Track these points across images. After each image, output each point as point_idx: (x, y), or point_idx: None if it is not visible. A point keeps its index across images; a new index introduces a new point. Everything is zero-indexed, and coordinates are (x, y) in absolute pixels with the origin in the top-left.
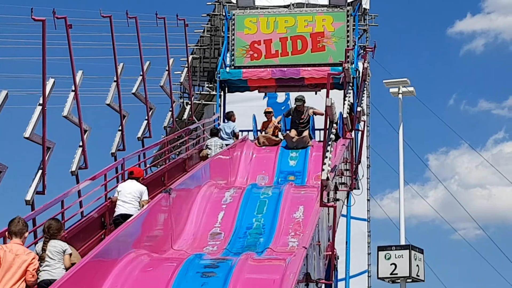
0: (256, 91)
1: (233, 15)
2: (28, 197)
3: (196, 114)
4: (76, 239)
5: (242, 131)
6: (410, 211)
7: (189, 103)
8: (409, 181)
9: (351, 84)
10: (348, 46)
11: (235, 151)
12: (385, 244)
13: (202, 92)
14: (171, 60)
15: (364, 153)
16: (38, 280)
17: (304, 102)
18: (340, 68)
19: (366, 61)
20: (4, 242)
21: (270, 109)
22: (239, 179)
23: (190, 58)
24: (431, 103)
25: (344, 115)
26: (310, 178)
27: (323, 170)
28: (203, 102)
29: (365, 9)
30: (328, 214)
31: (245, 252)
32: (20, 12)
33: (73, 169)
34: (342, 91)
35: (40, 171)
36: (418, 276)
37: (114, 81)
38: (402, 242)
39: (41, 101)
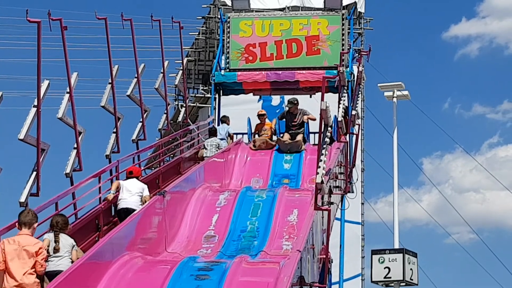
0: (251, 94)
1: (228, 18)
2: (22, 199)
3: (190, 117)
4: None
5: (236, 134)
6: (404, 215)
7: (184, 105)
8: (403, 185)
9: (346, 87)
10: (343, 50)
11: (230, 154)
12: (379, 248)
13: (196, 95)
14: (166, 63)
15: (359, 157)
16: (47, 270)
17: (297, 104)
18: (335, 71)
19: (361, 65)
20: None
21: (264, 112)
22: (234, 182)
23: (185, 60)
24: (426, 107)
25: (339, 119)
26: (304, 181)
27: (317, 173)
28: (198, 104)
29: (360, 12)
30: (322, 217)
31: (239, 255)
32: (15, 14)
33: (68, 171)
34: (337, 94)
35: (35, 173)
36: (412, 280)
37: (109, 83)
38: (396, 246)
39: (35, 103)
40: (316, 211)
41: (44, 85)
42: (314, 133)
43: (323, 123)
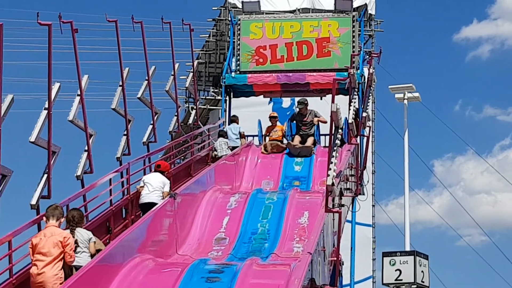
0: (261, 96)
1: (239, 20)
2: (33, 201)
3: (201, 119)
4: None
5: (247, 136)
6: (415, 217)
7: (194, 108)
8: (414, 187)
9: (356, 89)
10: (353, 52)
11: (240, 156)
12: (390, 250)
13: (207, 97)
14: (176, 65)
15: (369, 159)
16: None
17: (306, 105)
18: (346, 73)
19: (371, 67)
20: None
21: (275, 114)
22: (244, 184)
23: (195, 63)
24: (437, 109)
25: (350, 121)
26: (315, 183)
27: (328, 175)
28: (208, 107)
29: (370, 14)
30: (333, 219)
31: (250, 257)
32: (26, 17)
33: (79, 173)
34: (348, 96)
35: (46, 175)
36: (423, 282)
37: (120, 85)
38: (407, 248)
39: (46, 106)
40: (327, 213)
41: (55, 88)
42: (325, 135)
43: (333, 125)
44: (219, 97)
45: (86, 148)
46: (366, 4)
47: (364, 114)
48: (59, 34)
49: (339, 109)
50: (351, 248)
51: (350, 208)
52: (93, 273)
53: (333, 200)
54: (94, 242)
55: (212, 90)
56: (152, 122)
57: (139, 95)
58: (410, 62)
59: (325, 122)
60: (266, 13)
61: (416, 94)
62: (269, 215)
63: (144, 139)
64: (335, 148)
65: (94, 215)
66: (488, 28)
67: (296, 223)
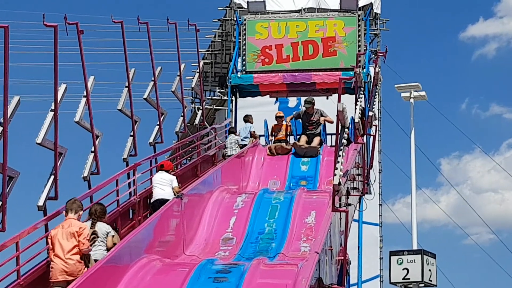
0: (267, 96)
1: (244, 20)
2: (40, 203)
3: (207, 119)
4: None
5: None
6: (423, 216)
7: (201, 108)
8: (421, 186)
9: (362, 88)
10: (359, 51)
11: (247, 156)
12: (397, 249)
13: (213, 97)
14: (182, 66)
15: (376, 158)
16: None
17: (313, 104)
18: (352, 72)
19: (377, 66)
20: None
21: (282, 114)
22: (251, 184)
23: (201, 63)
24: (443, 107)
25: (356, 120)
26: (322, 183)
27: (335, 175)
28: (215, 107)
29: (376, 13)
30: (340, 219)
31: (257, 257)
32: (32, 18)
33: (85, 174)
34: (354, 95)
35: (52, 176)
36: (431, 281)
37: (126, 86)
38: (415, 247)
39: (53, 107)
40: (333, 213)
41: (61, 89)
42: (331, 134)
43: (340, 124)
44: (225, 97)
45: (93, 149)
46: (371, 3)
47: (371, 113)
48: (65, 36)
49: (345, 109)
50: (358, 247)
51: (357, 207)
52: (100, 274)
53: (340, 200)
54: (112, 236)
55: (218, 90)
56: (158, 123)
57: (145, 96)
58: (416, 61)
59: (332, 122)
60: (272, 13)
61: (422, 93)
62: (276, 215)
63: (151, 140)
64: (341, 147)
65: None
66: (494, 26)
67: (303, 223)
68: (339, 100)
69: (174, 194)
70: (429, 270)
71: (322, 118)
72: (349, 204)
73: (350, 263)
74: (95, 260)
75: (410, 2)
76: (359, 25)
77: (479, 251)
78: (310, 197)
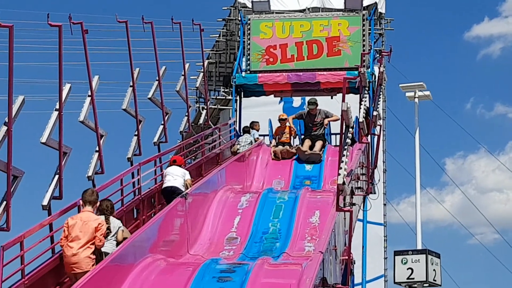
0: (272, 95)
1: (249, 19)
2: (45, 202)
3: (212, 119)
4: None
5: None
6: (427, 215)
7: (205, 108)
8: (425, 186)
9: (367, 88)
10: (364, 50)
11: (251, 156)
12: (402, 249)
13: (217, 97)
14: (187, 65)
15: (380, 158)
16: None
17: (317, 105)
18: (356, 72)
19: (382, 65)
20: None
21: (285, 116)
22: (255, 183)
23: (205, 63)
24: (448, 107)
25: (360, 120)
26: (326, 182)
27: (339, 174)
28: (219, 106)
29: (380, 13)
30: (345, 218)
31: (261, 257)
32: (36, 18)
33: (90, 174)
34: (358, 95)
35: (57, 176)
36: (435, 280)
37: (130, 86)
38: (419, 247)
39: (57, 106)
40: (338, 213)
41: (65, 89)
42: (336, 134)
43: (344, 124)
44: (229, 97)
45: (97, 149)
46: (376, 3)
47: (375, 113)
48: (69, 35)
49: (349, 108)
50: (363, 247)
51: (362, 207)
52: (105, 273)
53: (344, 199)
54: (122, 230)
55: (223, 90)
56: (163, 122)
57: (149, 96)
58: (420, 60)
59: (337, 119)
60: (276, 13)
61: (427, 93)
62: (280, 215)
63: (155, 139)
64: (346, 147)
65: None
66: (500, 26)
67: (307, 222)
68: (343, 100)
69: (186, 187)
70: (434, 270)
71: (326, 120)
72: (354, 204)
73: (354, 263)
74: (106, 254)
75: (414, 2)
76: (363, 25)
77: (484, 251)
78: (315, 197)
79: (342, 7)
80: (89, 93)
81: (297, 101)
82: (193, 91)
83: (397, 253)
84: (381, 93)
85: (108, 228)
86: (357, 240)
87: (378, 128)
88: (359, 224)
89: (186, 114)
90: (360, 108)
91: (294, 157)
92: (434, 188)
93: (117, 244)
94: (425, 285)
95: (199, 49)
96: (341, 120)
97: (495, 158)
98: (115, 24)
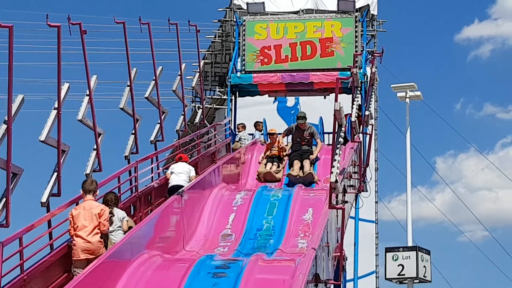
0: (266, 95)
1: (244, 21)
2: (44, 199)
3: (207, 118)
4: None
5: (251, 134)
6: (418, 213)
7: (201, 107)
8: (416, 184)
9: (359, 88)
10: (356, 51)
11: (246, 154)
12: (393, 246)
13: (213, 97)
14: (183, 65)
15: (372, 156)
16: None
17: (306, 119)
18: (349, 73)
19: (374, 66)
20: None
21: (274, 130)
22: (250, 181)
23: (201, 63)
24: (438, 107)
25: (353, 119)
26: (320, 180)
27: (332, 172)
28: (215, 106)
29: (373, 15)
30: (337, 216)
31: (255, 253)
32: (35, 19)
33: (88, 171)
34: (351, 95)
35: (56, 173)
36: (425, 277)
37: (128, 85)
38: (410, 244)
39: (56, 105)
40: (330, 210)
41: (64, 88)
42: (328, 133)
43: (337, 123)
44: (224, 97)
45: (95, 147)
46: (368, 5)
47: (367, 113)
48: (68, 36)
49: (342, 108)
50: (355, 243)
51: (354, 205)
52: (102, 269)
53: (336, 197)
54: (127, 220)
55: (218, 89)
56: (159, 121)
57: (146, 95)
58: (412, 61)
59: (318, 152)
60: (271, 14)
61: (418, 93)
62: (274, 212)
63: (152, 138)
64: (338, 146)
65: None
66: (489, 28)
67: (300, 220)
68: (336, 100)
69: (189, 182)
70: (424, 266)
71: (311, 157)
72: (346, 202)
73: (346, 259)
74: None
75: (406, 4)
76: (356, 26)
77: (473, 248)
78: (308, 195)
79: (335, 8)
80: (87, 92)
81: (291, 100)
82: (189, 90)
83: (388, 250)
84: (373, 93)
85: (112, 219)
86: (349, 237)
87: (370, 127)
88: (351, 221)
89: (182, 113)
90: (352, 107)
91: (283, 182)
92: (424, 186)
93: (125, 233)
94: (415, 281)
95: (195, 50)
96: (334, 120)
97: (484, 157)
98: (113, 25)
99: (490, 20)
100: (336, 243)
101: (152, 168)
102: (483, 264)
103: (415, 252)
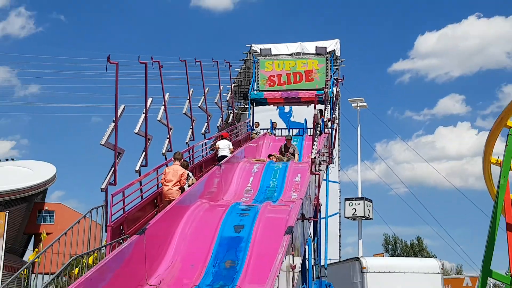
0: (272, 105)
1: (258, 59)
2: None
3: (236, 119)
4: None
5: (264, 129)
6: (364, 177)
7: (232, 112)
8: (363, 159)
9: (328, 101)
10: (327, 78)
11: (260, 140)
12: (349, 197)
13: (240, 106)
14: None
15: (337, 142)
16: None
17: (291, 139)
18: (323, 91)
19: (338, 87)
20: None
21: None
22: (262, 157)
23: (232, 85)
24: (377, 112)
25: (325, 119)
26: (304, 157)
27: (312, 152)
28: (240, 112)
29: (337, 56)
30: (315, 178)
31: (265, 201)
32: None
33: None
34: (323, 105)
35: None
36: (369, 216)
37: (143, 113)
38: (360, 196)
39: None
40: (311, 175)
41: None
42: (310, 128)
43: (315, 122)
44: (246, 106)
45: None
46: (334, 50)
47: (334, 116)
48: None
49: (318, 113)
50: (326, 195)
51: (325, 172)
52: (173, 211)
53: (315, 167)
54: (192, 178)
55: (243, 102)
56: (191, 127)
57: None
58: (361, 84)
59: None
60: (275, 55)
61: (365, 104)
62: (277, 176)
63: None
64: (316, 136)
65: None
66: (409, 64)
67: (293, 181)
68: (314, 108)
69: (230, 153)
70: (368, 209)
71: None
72: (321, 170)
73: (321, 205)
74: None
75: (358, 49)
76: (327, 63)
77: (398, 199)
78: (297, 166)
79: (314, 52)
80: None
81: (287, 108)
82: (224, 102)
83: (346, 199)
84: (337, 104)
85: (188, 175)
86: (322, 192)
87: (335, 125)
88: (324, 182)
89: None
90: (325, 112)
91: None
92: (369, 160)
93: (189, 186)
94: (363, 218)
95: (228, 78)
96: (313, 120)
97: (405, 143)
98: (177, 62)
99: (409, 59)
100: (314, 195)
101: (202, 149)
102: (404, 209)
103: (363, 200)
